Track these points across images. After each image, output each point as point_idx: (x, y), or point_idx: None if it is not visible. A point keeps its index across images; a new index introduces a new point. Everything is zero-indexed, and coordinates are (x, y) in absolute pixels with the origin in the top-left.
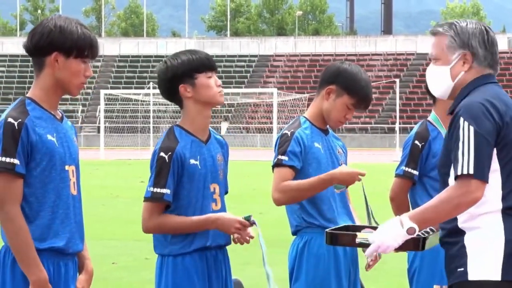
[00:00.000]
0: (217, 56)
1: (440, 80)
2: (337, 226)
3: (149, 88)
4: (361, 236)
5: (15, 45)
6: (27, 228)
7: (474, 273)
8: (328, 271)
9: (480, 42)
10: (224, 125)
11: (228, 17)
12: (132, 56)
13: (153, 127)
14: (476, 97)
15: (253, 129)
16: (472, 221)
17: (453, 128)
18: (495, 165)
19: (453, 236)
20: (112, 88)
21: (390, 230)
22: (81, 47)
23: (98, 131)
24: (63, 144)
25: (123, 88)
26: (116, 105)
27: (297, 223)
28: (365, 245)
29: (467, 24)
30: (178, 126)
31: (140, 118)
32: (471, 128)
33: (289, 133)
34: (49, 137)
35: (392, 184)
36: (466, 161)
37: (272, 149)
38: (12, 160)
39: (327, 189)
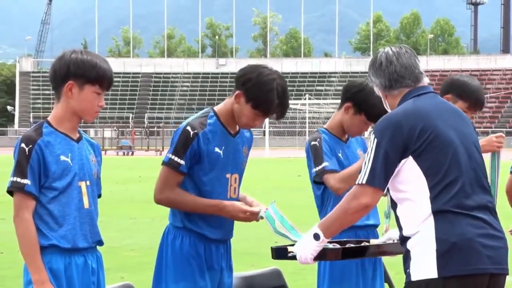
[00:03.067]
0: (361, 72)
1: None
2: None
3: (305, 99)
4: (290, 250)
5: (198, 65)
6: (191, 195)
7: (415, 274)
8: None
9: (373, 74)
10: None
11: (371, 40)
12: (292, 73)
13: (309, 131)
14: (390, 113)
15: None
16: (412, 228)
17: None
18: (417, 172)
19: (403, 243)
20: None
21: (304, 241)
22: (262, 106)
23: (264, 134)
24: (229, 156)
25: None
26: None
27: None
28: (295, 258)
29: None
30: (324, 129)
31: (298, 124)
32: (375, 141)
33: None
34: (217, 149)
35: (507, 180)
36: (364, 171)
37: None
38: (179, 160)
39: None
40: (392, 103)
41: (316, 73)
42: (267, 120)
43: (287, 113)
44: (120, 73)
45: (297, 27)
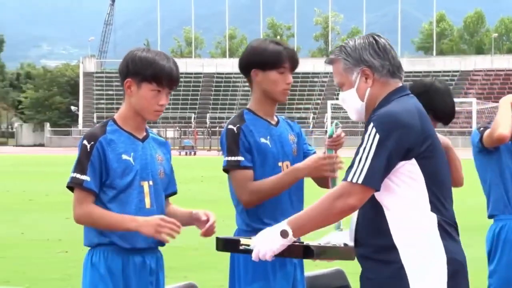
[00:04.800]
0: (424, 72)
1: (352, 104)
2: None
3: None
4: (244, 242)
5: None
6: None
7: None
8: None
9: (372, 54)
10: None
11: (434, 39)
12: None
13: None
14: (392, 107)
15: (456, 132)
16: (407, 238)
17: (364, 133)
18: (419, 177)
19: (384, 254)
20: (337, 99)
21: (268, 235)
22: (277, 60)
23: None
24: (276, 144)
25: None
26: (340, 112)
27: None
28: (249, 251)
29: (355, 41)
30: None
31: (360, 124)
32: (377, 137)
33: None
34: (263, 140)
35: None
36: (359, 170)
37: (471, 149)
38: (237, 158)
39: None
40: (376, 92)
41: None
42: (329, 120)
43: (347, 113)
44: (182, 73)
45: (359, 26)
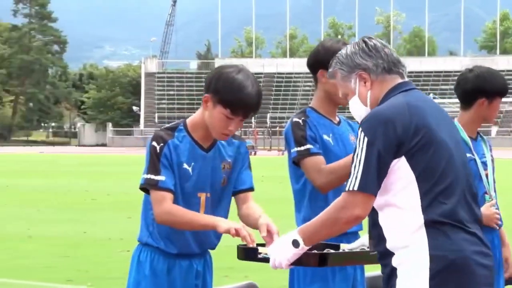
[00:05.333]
0: None
1: (359, 111)
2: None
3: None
4: (262, 251)
5: None
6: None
7: None
8: None
9: (362, 56)
10: (494, 129)
11: (498, 38)
12: (416, 72)
13: None
14: (379, 108)
15: None
16: (399, 241)
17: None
18: (409, 175)
19: (384, 258)
20: None
21: (281, 244)
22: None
23: None
24: (339, 143)
25: None
26: None
27: None
28: (267, 260)
29: (347, 49)
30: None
31: None
32: (365, 140)
33: None
34: (325, 137)
35: None
36: (354, 176)
37: None
38: (305, 147)
39: None
40: (376, 93)
41: (441, 72)
42: None
43: None
44: None
45: (421, 25)
